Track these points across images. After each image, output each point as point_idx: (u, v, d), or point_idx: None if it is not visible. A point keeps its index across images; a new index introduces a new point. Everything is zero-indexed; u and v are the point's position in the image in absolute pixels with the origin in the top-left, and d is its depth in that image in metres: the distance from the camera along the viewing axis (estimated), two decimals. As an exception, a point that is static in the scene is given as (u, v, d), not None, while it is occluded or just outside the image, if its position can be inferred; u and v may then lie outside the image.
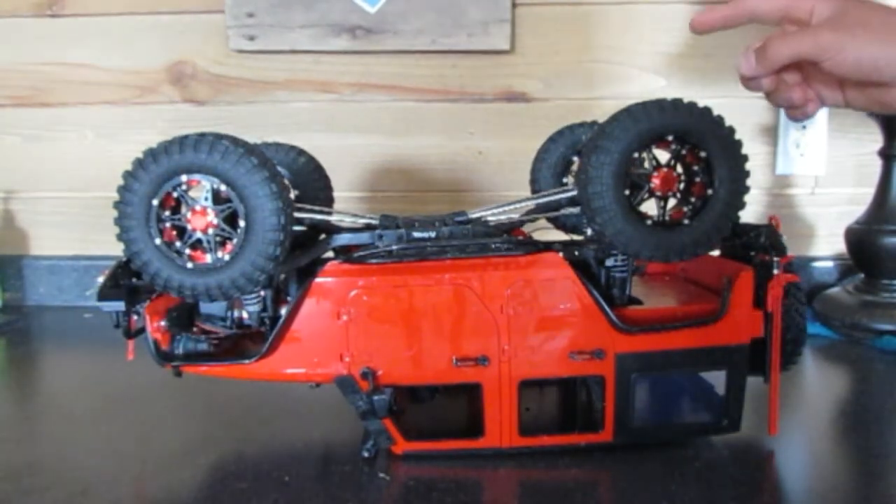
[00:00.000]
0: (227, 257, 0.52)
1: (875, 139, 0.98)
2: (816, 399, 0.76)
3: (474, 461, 0.58)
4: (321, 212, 0.62)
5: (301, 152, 0.72)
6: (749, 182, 0.55)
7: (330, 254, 0.60)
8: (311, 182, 0.71)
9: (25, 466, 0.59)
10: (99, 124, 1.14)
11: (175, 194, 0.52)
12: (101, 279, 0.56)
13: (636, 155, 0.54)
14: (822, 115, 1.08)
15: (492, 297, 0.56)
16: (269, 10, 1.06)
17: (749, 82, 0.56)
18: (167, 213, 0.52)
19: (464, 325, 0.56)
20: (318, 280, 0.56)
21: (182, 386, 0.62)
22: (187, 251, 0.52)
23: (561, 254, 0.57)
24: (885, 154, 0.96)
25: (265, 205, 0.50)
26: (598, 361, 0.57)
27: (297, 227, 0.56)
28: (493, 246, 0.57)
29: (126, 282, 0.56)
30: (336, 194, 0.74)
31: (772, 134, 1.10)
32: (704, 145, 0.54)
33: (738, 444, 0.60)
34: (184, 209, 0.52)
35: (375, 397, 0.55)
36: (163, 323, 0.57)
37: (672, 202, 0.57)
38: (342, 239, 0.60)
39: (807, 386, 0.79)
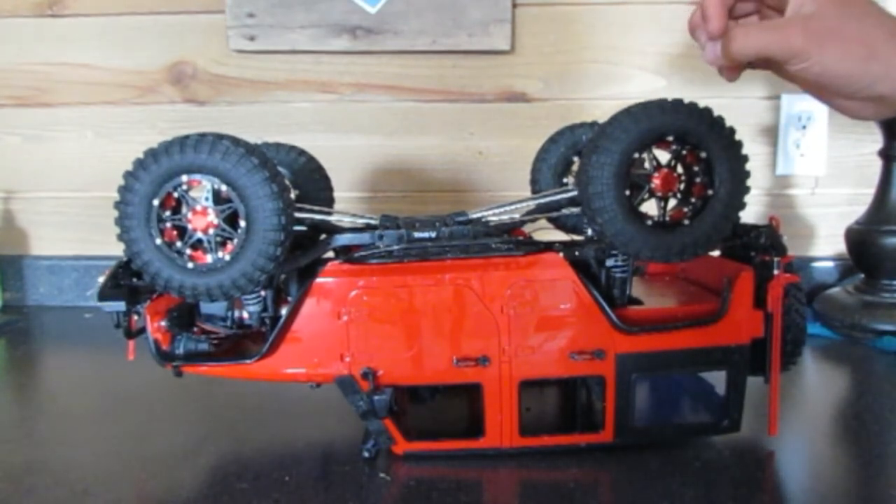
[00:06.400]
0: (227, 257, 0.52)
1: (875, 139, 0.98)
2: (816, 399, 0.76)
3: (475, 461, 0.58)
4: (321, 212, 0.62)
5: (301, 152, 0.72)
6: (749, 182, 0.55)
7: (330, 254, 0.60)
8: (312, 182, 0.71)
9: (26, 466, 0.59)
10: (99, 124, 1.14)
11: (176, 194, 0.52)
12: (101, 279, 0.56)
13: (637, 155, 0.54)
14: (822, 115, 1.08)
15: (492, 297, 0.56)
16: (270, 10, 1.06)
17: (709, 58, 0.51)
18: (168, 213, 0.52)
19: (464, 325, 0.56)
20: (319, 280, 0.56)
21: (182, 386, 0.62)
22: (188, 251, 0.52)
23: (561, 254, 0.57)
24: (885, 154, 0.96)
25: (266, 205, 0.50)
26: (598, 362, 0.57)
27: (297, 228, 0.56)
28: (493, 246, 0.57)
29: (127, 282, 0.57)
30: (336, 194, 0.74)
31: (772, 134, 1.10)
32: (705, 146, 0.54)
33: (738, 444, 0.60)
34: (184, 209, 0.52)
35: (376, 397, 0.55)
36: (163, 323, 0.57)
37: (672, 202, 0.57)
38: (343, 239, 0.60)
39: (807, 386, 0.79)
